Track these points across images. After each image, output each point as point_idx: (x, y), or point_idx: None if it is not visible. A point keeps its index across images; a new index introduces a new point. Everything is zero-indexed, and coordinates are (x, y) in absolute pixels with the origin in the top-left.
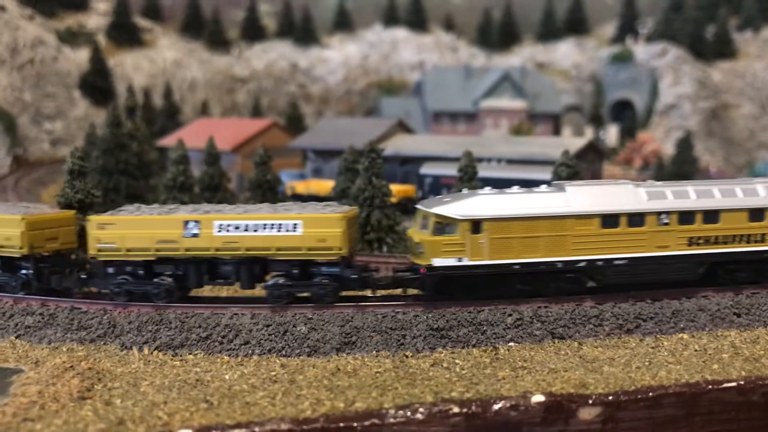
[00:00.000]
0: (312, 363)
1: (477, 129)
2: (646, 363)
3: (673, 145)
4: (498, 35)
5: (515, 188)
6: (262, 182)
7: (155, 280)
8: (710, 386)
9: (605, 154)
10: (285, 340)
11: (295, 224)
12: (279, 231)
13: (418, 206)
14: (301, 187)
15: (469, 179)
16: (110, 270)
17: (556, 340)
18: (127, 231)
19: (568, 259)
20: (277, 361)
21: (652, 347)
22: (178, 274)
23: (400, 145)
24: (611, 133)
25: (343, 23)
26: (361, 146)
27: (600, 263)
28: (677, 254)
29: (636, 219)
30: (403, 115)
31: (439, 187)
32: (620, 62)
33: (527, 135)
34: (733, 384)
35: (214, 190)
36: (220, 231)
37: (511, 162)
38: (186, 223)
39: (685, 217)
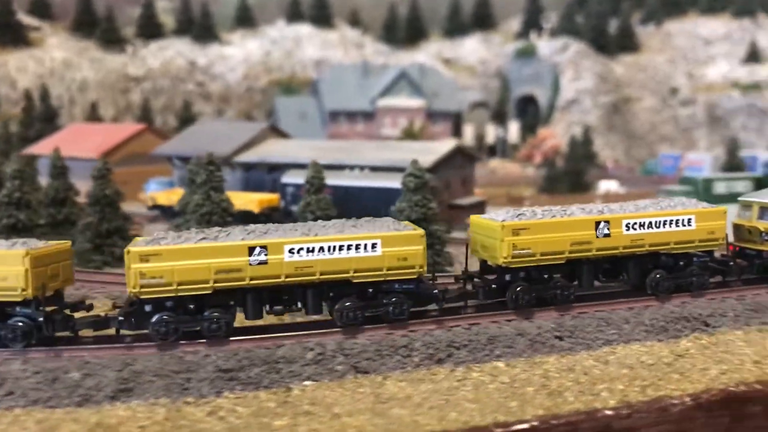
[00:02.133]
0: (76, 416)
1: (375, 128)
2: (443, 401)
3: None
4: (404, 31)
5: None
6: (100, 197)
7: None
8: (498, 430)
9: (477, 158)
10: (54, 389)
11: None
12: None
13: (748, 198)
14: (163, 197)
15: (316, 190)
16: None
17: (360, 376)
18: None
19: None
20: (38, 415)
21: (459, 380)
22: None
23: (268, 151)
24: (512, 130)
25: (245, 19)
26: (228, 152)
27: None
28: None
29: None
30: (299, 115)
31: (300, 197)
32: (524, 58)
33: (420, 135)
34: (525, 426)
35: (60, 205)
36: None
37: (376, 169)
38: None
39: None
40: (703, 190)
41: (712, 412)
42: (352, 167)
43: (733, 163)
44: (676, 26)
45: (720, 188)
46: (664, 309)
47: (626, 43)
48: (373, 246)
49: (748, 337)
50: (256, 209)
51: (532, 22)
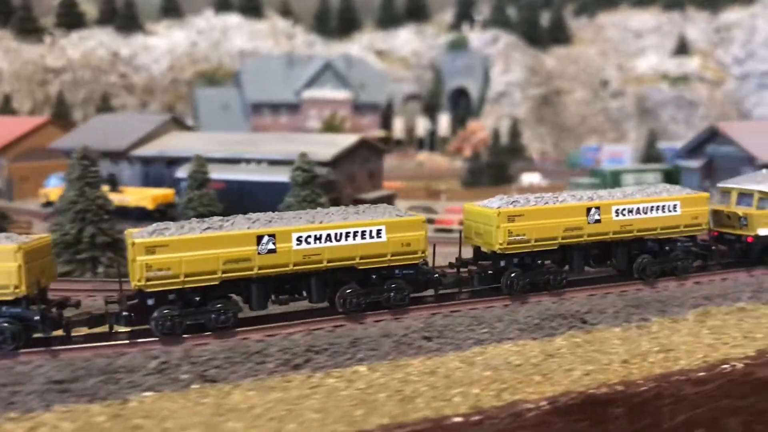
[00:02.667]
0: None
1: (301, 120)
2: (286, 411)
3: (504, 133)
4: (337, 22)
5: None
6: None
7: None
8: None
9: (385, 150)
10: None
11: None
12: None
13: (727, 184)
14: (55, 194)
15: (199, 185)
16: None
17: (207, 385)
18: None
19: None
20: None
21: (312, 387)
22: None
23: (168, 144)
24: (443, 123)
25: (171, 9)
26: (125, 146)
27: None
28: None
29: None
30: (222, 107)
31: None
32: (456, 50)
33: (341, 127)
34: None
35: None
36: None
37: (273, 163)
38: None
39: None
40: (611, 182)
41: (571, 416)
42: (248, 161)
43: (651, 155)
44: (608, 19)
45: (628, 180)
46: (541, 306)
47: (559, 36)
48: (378, 232)
49: (626, 334)
50: (150, 205)
51: (465, 14)
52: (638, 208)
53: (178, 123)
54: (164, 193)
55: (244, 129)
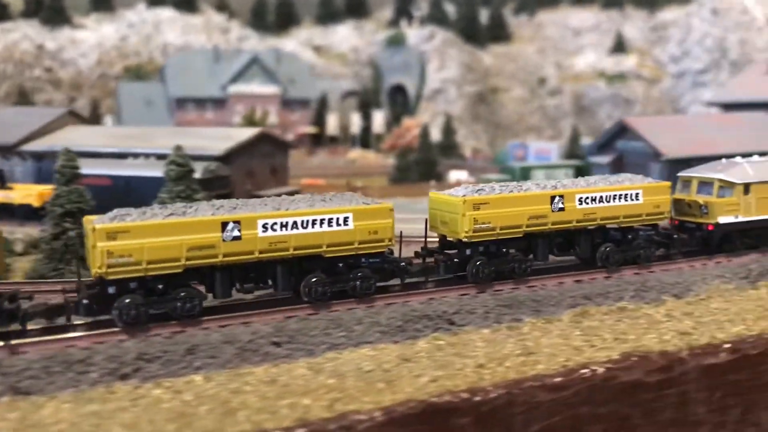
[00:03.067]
0: None
1: (227, 116)
2: (91, 428)
3: (438, 131)
4: (274, 16)
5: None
6: None
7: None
8: None
9: (290, 145)
10: None
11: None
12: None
13: (688, 173)
14: None
15: (68, 181)
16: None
17: (18, 398)
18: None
19: None
20: None
21: (133, 399)
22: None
23: (61, 139)
24: (377, 120)
25: (101, 2)
26: (14, 140)
27: None
28: None
29: None
30: (145, 102)
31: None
32: (394, 46)
33: (262, 123)
34: None
35: None
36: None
37: (162, 157)
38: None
39: None
40: (520, 179)
41: (407, 427)
42: (136, 155)
43: (573, 151)
44: (548, 17)
45: (538, 177)
46: (406, 307)
47: (498, 33)
48: (345, 220)
49: (493, 336)
50: (36, 203)
51: (404, 11)
52: (601, 197)
53: (76, 117)
54: (51, 189)
55: (167, 125)
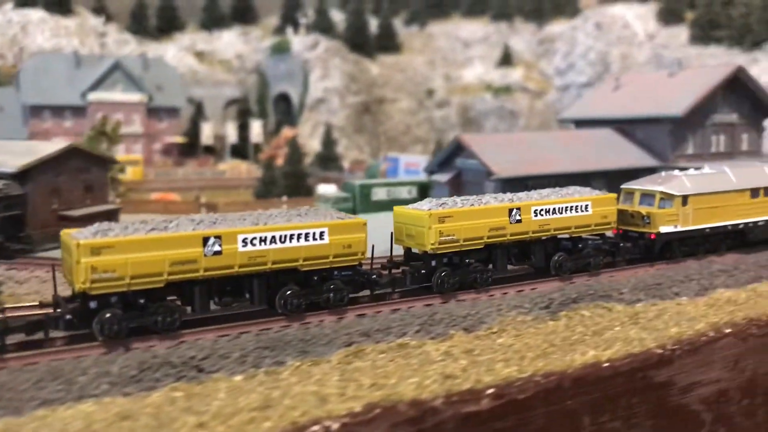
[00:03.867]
0: None
1: (87, 125)
2: None
3: (319, 142)
4: (156, 21)
5: (706, 168)
6: None
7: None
8: None
9: (110, 160)
10: None
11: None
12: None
13: (630, 186)
14: None
15: None
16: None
17: None
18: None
19: (735, 222)
20: None
21: None
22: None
23: None
24: (255, 129)
25: None
26: None
27: (750, 224)
28: None
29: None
30: None
31: None
32: (279, 54)
33: (114, 134)
34: None
35: None
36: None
37: None
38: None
39: None
40: (360, 197)
41: None
42: None
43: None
44: (439, 28)
45: (380, 195)
46: (147, 354)
47: (387, 43)
48: (321, 235)
49: (245, 384)
50: None
51: (290, 17)
52: (554, 209)
53: None
54: None
55: (21, 134)
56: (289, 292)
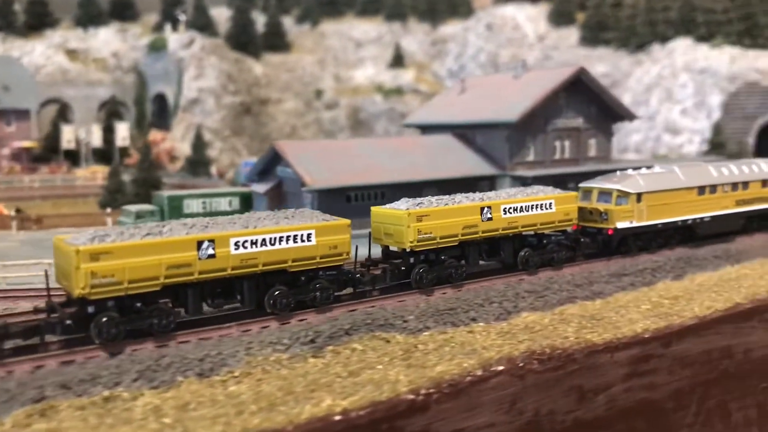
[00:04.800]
0: None
1: None
2: None
3: (190, 145)
4: (26, 16)
5: (657, 167)
6: None
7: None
8: None
9: None
10: None
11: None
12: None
13: (588, 184)
14: None
15: None
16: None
17: None
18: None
19: (684, 218)
20: None
21: None
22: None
23: None
24: (121, 132)
25: None
26: None
27: (697, 221)
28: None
29: (713, 188)
30: None
31: None
32: (156, 52)
33: None
34: None
35: None
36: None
37: None
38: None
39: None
40: (170, 210)
41: None
42: None
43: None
44: (331, 27)
45: (193, 207)
46: None
47: (275, 42)
48: (309, 236)
49: None
50: None
51: (169, 14)
52: (521, 206)
53: None
54: None
55: None
56: (277, 293)
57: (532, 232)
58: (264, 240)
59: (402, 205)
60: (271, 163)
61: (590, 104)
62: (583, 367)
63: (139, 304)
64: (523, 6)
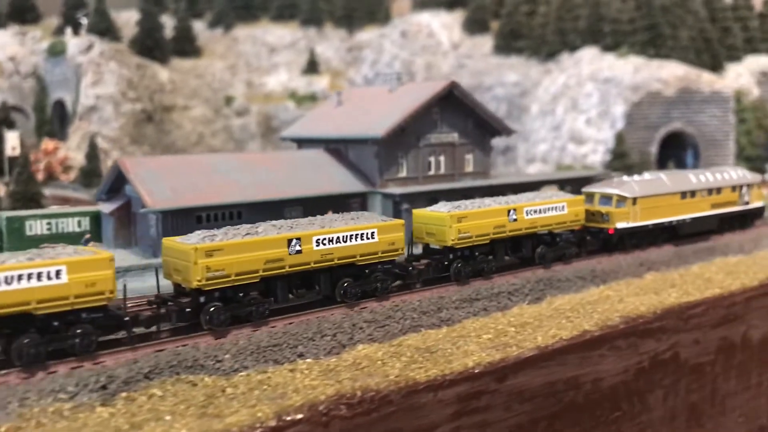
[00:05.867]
0: None
1: None
2: None
3: (83, 155)
4: None
5: (646, 174)
6: None
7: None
8: None
9: None
10: None
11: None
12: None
13: (590, 189)
14: None
15: None
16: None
17: None
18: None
19: (670, 219)
20: None
21: None
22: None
23: None
24: (11, 141)
25: None
26: None
27: (680, 221)
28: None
29: (693, 193)
30: None
31: None
32: (56, 57)
33: None
34: None
35: None
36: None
37: None
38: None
39: (708, 192)
40: (8, 232)
41: None
42: None
43: None
44: (245, 32)
45: (38, 228)
46: None
47: (185, 47)
48: (372, 234)
49: None
50: None
51: (70, 17)
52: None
53: None
54: None
55: None
56: (346, 284)
57: (546, 231)
58: (339, 238)
59: (443, 208)
60: (118, 182)
61: (467, 119)
62: (401, 409)
63: (241, 294)
64: (438, 13)
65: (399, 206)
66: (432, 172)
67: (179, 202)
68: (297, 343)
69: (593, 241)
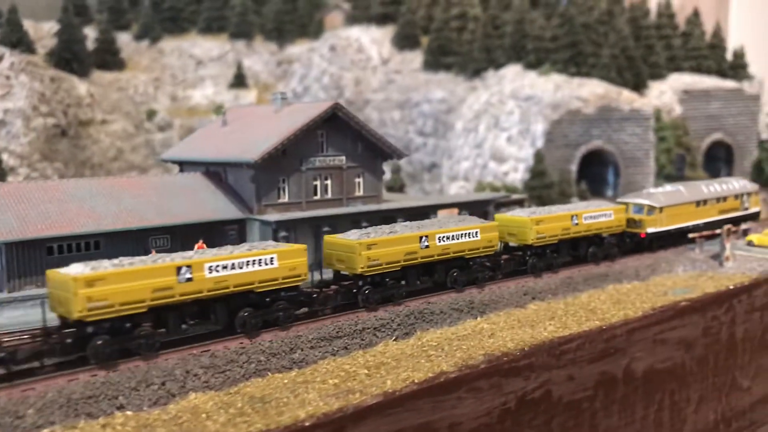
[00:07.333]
0: None
1: None
2: None
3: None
4: None
5: (668, 186)
6: None
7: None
8: None
9: None
10: None
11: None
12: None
13: (624, 200)
14: None
15: None
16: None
17: None
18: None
19: (688, 224)
20: None
21: None
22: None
23: None
24: None
25: None
26: None
27: (696, 226)
28: (717, 219)
29: (705, 202)
30: None
31: None
32: None
33: None
34: None
35: None
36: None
37: None
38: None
39: (716, 200)
40: None
41: None
42: None
43: None
44: (171, 44)
45: None
46: None
47: (107, 59)
48: (476, 233)
49: None
50: None
51: None
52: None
53: None
54: None
55: None
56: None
57: (591, 235)
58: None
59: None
60: None
61: (356, 141)
62: None
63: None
64: (368, 28)
65: (276, 234)
66: (318, 197)
67: (26, 233)
68: (118, 394)
69: (629, 243)
